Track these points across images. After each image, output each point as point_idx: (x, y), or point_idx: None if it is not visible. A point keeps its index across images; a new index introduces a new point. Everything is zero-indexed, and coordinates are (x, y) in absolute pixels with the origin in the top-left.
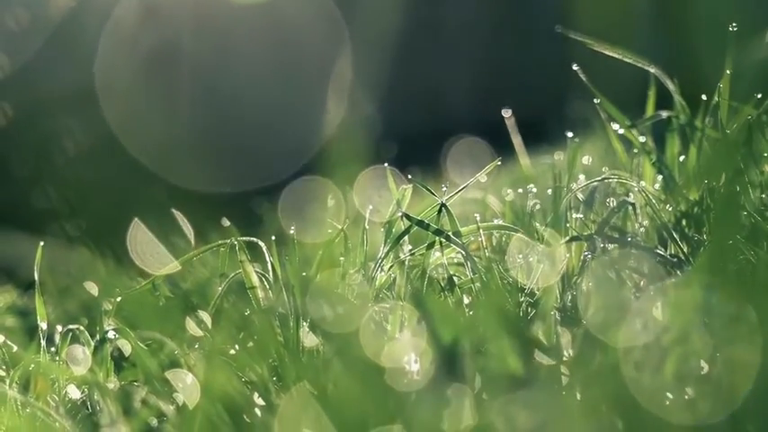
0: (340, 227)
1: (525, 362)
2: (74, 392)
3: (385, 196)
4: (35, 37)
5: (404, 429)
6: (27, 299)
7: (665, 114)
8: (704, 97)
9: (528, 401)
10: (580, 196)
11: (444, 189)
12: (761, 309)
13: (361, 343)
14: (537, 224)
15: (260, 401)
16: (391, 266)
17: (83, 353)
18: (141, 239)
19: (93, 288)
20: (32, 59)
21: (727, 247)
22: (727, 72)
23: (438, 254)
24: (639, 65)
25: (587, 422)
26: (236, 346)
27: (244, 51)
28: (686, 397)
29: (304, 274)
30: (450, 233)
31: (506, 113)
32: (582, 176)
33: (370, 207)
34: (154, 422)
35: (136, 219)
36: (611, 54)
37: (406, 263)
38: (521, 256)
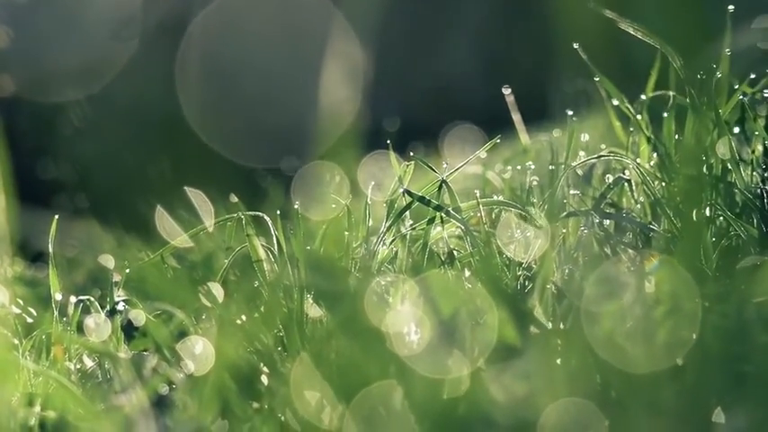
0: (343, 203)
1: (521, 333)
2: (87, 361)
3: (388, 174)
4: (42, 8)
5: (404, 395)
6: (34, 270)
7: (662, 93)
8: (700, 76)
9: (523, 371)
10: (579, 173)
11: (445, 166)
12: (743, 283)
13: (364, 313)
14: (535, 200)
15: (266, 370)
16: (393, 241)
17: (99, 322)
18: (160, 214)
19: (108, 261)
20: (39, 31)
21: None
22: (726, 52)
23: (439, 228)
24: (642, 37)
25: (580, 390)
26: (244, 317)
27: (250, 30)
28: (676, 365)
29: (308, 247)
30: (450, 208)
31: (506, 91)
32: (582, 153)
33: (372, 183)
34: (165, 389)
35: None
36: (620, 27)
37: (408, 237)
38: (519, 231)
